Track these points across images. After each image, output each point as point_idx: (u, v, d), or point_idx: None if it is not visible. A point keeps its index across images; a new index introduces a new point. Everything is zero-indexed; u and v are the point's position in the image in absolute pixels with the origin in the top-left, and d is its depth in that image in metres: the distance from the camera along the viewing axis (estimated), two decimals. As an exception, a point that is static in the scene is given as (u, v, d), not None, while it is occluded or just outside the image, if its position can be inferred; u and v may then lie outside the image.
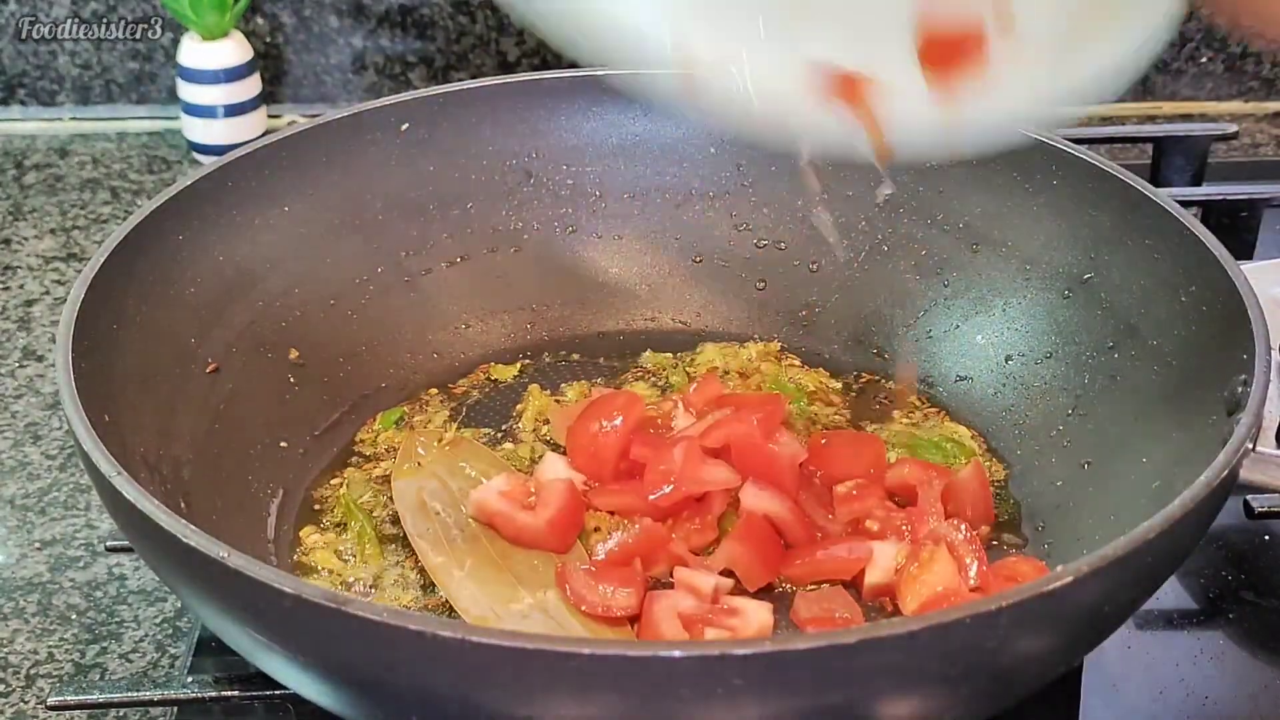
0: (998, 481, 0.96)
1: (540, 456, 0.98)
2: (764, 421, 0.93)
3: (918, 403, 1.03)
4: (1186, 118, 1.52)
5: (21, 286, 1.28)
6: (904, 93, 0.74)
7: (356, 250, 1.05)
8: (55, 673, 0.90)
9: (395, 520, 0.93)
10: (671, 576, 0.88)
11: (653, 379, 1.06)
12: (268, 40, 1.48)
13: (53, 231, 1.35)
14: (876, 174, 1.07)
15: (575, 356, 1.09)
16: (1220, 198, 1.21)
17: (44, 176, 1.44)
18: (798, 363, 1.07)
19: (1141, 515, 0.70)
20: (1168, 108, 1.54)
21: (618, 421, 0.93)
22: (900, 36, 0.75)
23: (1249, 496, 0.91)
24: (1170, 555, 0.73)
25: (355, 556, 0.91)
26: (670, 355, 1.08)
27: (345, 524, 0.93)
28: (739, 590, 0.88)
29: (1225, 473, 0.72)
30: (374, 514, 0.94)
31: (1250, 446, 0.75)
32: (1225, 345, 0.84)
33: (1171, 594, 0.93)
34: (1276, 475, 0.80)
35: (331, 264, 1.04)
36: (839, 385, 1.05)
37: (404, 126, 1.07)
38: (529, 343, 1.09)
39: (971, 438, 0.99)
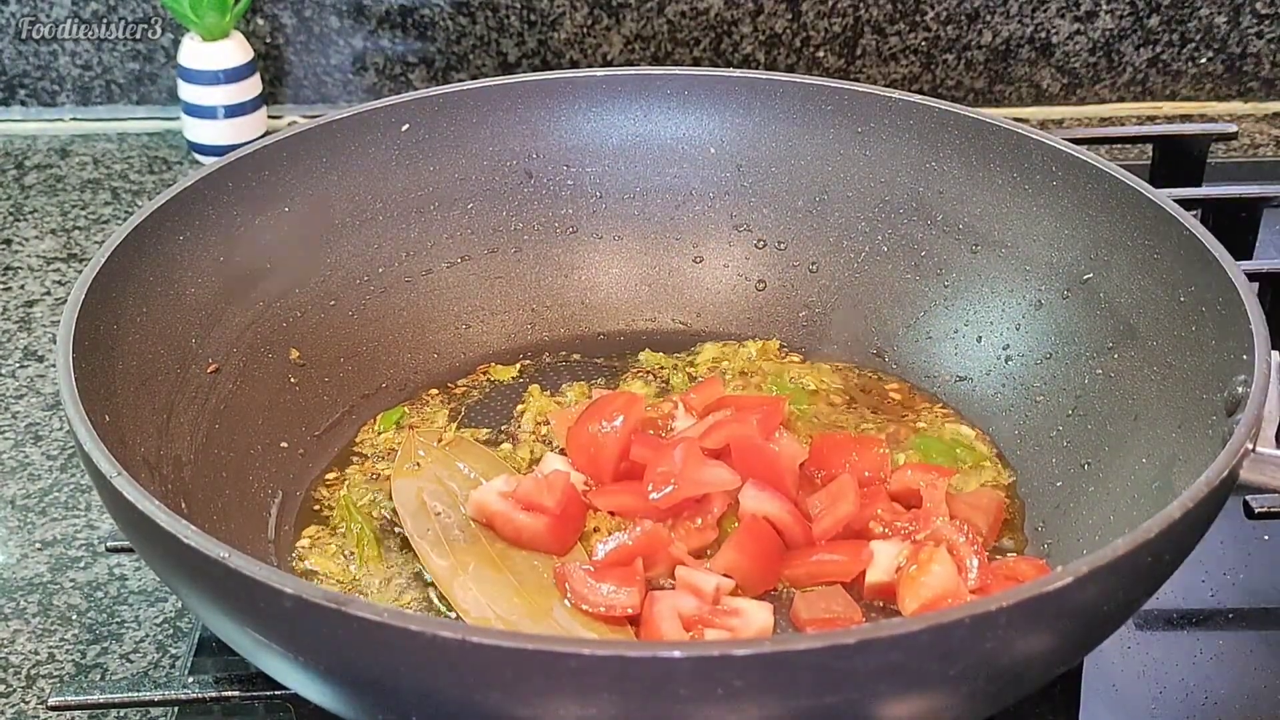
0: (1005, 486, 0.95)
1: (540, 457, 0.98)
2: (764, 422, 0.93)
3: (925, 403, 1.03)
4: (1186, 118, 1.52)
5: (22, 287, 1.28)
6: None
7: (356, 250, 1.05)
8: (56, 673, 0.90)
9: (395, 521, 0.93)
10: (671, 578, 0.88)
11: (653, 379, 1.06)
12: (268, 41, 1.48)
13: (53, 232, 1.35)
14: (878, 173, 1.07)
15: (575, 356, 1.09)
16: (1220, 198, 1.21)
17: (45, 177, 1.44)
18: (799, 359, 1.07)
19: (1141, 515, 0.70)
20: (1168, 108, 1.54)
21: (618, 422, 0.93)
22: None
23: (1249, 497, 0.90)
24: (1170, 555, 0.73)
25: (355, 557, 0.91)
26: (670, 355, 1.08)
27: (345, 525, 0.93)
28: (740, 591, 0.88)
29: (1225, 473, 0.72)
30: (374, 515, 0.94)
31: (1250, 447, 0.75)
32: (1225, 345, 0.84)
33: (1171, 594, 0.93)
34: (1276, 475, 0.80)
35: (331, 264, 1.04)
36: (840, 385, 1.05)
37: (404, 127, 1.07)
38: (529, 343, 1.09)
39: (977, 438, 0.99)
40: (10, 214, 1.38)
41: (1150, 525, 0.68)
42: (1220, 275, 0.86)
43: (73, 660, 0.91)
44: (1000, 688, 0.71)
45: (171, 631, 0.93)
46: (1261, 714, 0.86)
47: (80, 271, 0.88)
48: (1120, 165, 0.98)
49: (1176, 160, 1.28)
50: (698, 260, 1.12)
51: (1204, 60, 1.52)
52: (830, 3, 1.47)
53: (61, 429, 1.11)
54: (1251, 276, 0.91)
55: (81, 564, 0.98)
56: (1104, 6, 1.48)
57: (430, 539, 0.90)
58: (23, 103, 1.51)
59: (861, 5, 1.47)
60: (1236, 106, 1.54)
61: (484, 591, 0.86)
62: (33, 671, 0.90)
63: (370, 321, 1.05)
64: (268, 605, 0.66)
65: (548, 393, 1.04)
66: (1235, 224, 1.21)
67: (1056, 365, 0.99)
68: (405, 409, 1.03)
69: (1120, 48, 1.50)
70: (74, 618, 0.94)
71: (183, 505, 0.84)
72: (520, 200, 1.11)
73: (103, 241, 1.04)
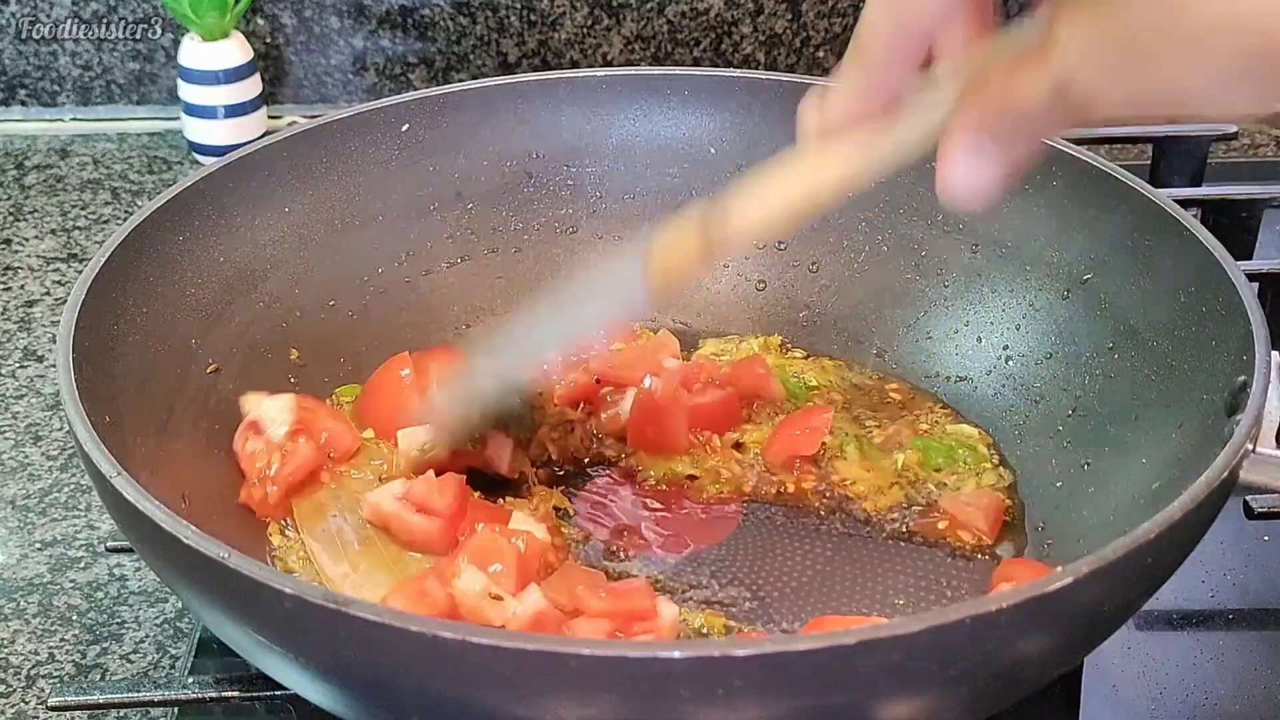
0: (1005, 486, 0.95)
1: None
2: None
3: (925, 403, 1.03)
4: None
5: (22, 287, 1.28)
6: None
7: (356, 250, 1.05)
8: (56, 673, 0.90)
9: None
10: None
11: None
12: (268, 41, 1.48)
13: (53, 232, 1.35)
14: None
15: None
16: (1220, 198, 1.21)
17: (45, 177, 1.44)
18: (800, 355, 1.07)
19: (1141, 515, 0.70)
20: (1168, 108, 1.53)
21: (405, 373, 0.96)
22: None
23: (1249, 497, 0.90)
24: (1170, 555, 0.73)
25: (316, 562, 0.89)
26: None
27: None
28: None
29: (1225, 473, 0.72)
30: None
31: (1250, 447, 0.75)
32: (1225, 345, 0.84)
33: (1171, 594, 0.93)
34: (1276, 476, 0.80)
35: (331, 264, 1.04)
36: (840, 384, 1.05)
37: (404, 127, 1.07)
38: (529, 343, 1.09)
39: (979, 438, 0.99)
40: (10, 214, 1.38)
41: (1150, 525, 0.68)
42: (1220, 275, 0.86)
43: (73, 660, 0.91)
44: (1000, 688, 0.71)
45: (171, 632, 0.93)
46: (1261, 714, 0.86)
47: (80, 271, 0.88)
48: (1120, 165, 0.98)
49: (1176, 160, 1.28)
50: (698, 260, 1.12)
51: (1204, 60, 1.51)
52: (830, 3, 1.47)
53: (61, 429, 1.11)
54: (1251, 276, 0.91)
55: (81, 564, 0.99)
56: (1104, 6, 1.48)
57: (325, 540, 0.88)
58: (23, 103, 1.51)
59: (861, 5, 1.47)
60: (1236, 106, 1.54)
61: (373, 595, 0.84)
62: (33, 671, 0.90)
63: (370, 321, 1.05)
64: (268, 605, 0.66)
65: (547, 393, 1.04)
66: (1235, 224, 1.21)
67: (1056, 365, 0.99)
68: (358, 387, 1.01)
69: (1120, 48, 1.50)
70: (74, 618, 0.94)
71: (183, 505, 0.84)
72: (520, 200, 1.11)
73: (103, 241, 1.04)
